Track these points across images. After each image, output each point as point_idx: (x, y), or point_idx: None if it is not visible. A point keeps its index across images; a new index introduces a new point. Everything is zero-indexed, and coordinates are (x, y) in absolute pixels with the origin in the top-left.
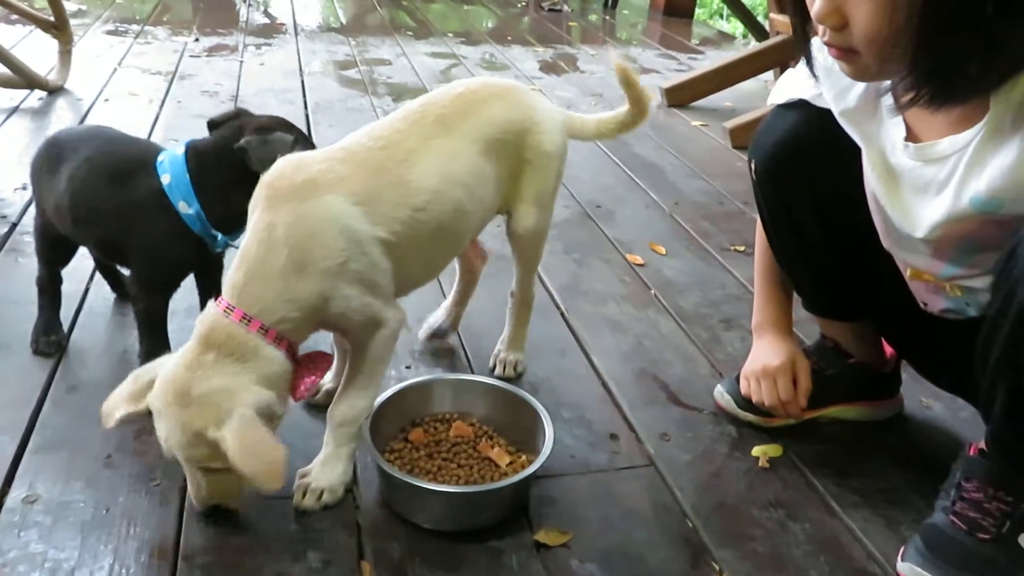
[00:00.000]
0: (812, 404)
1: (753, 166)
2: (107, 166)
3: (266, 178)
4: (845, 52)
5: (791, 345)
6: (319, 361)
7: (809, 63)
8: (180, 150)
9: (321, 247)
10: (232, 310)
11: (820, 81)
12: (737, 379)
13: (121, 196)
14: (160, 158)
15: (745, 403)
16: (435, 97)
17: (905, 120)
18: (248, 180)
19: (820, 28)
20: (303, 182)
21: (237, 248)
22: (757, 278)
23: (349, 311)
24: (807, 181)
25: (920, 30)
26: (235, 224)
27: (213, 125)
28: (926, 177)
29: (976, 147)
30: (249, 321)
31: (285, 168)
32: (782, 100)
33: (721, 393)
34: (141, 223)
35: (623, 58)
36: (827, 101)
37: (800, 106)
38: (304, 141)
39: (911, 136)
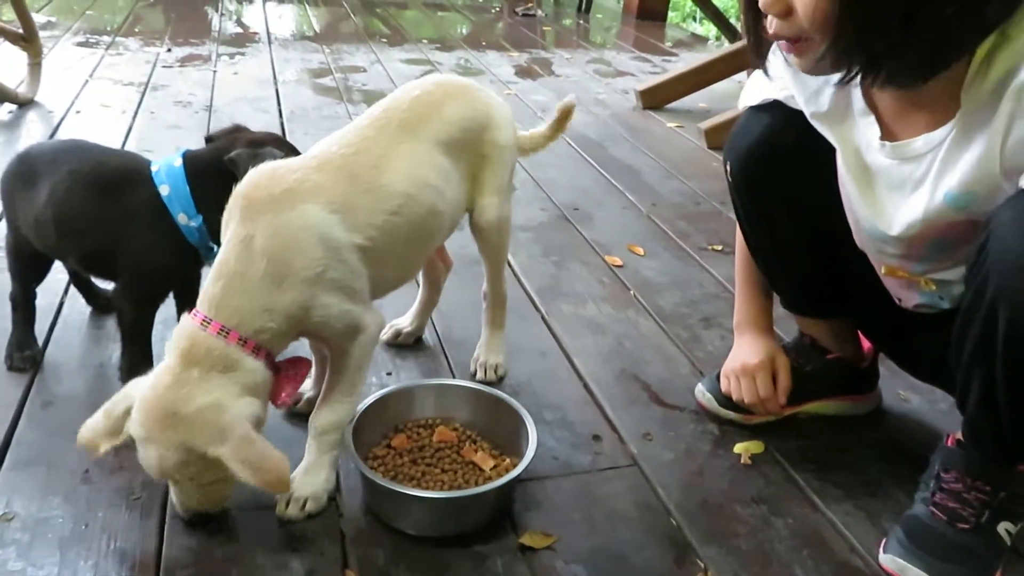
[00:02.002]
0: (792, 400)
1: (728, 168)
2: (97, 176)
3: (241, 189)
4: (796, 42)
5: (770, 343)
6: (299, 366)
7: (764, 67)
8: (177, 161)
9: (300, 257)
10: (209, 323)
11: (791, 84)
12: (717, 377)
13: (115, 206)
14: (154, 168)
15: (726, 401)
16: (394, 102)
17: (880, 119)
18: None
19: (769, 20)
20: (280, 192)
21: None
22: (738, 278)
23: (329, 319)
24: (782, 182)
25: (841, 9)
26: None
27: (211, 140)
28: (902, 175)
29: (950, 144)
30: (227, 334)
31: (260, 179)
32: (754, 101)
33: (702, 392)
34: (137, 233)
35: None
36: (799, 104)
37: (773, 107)
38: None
39: (887, 135)
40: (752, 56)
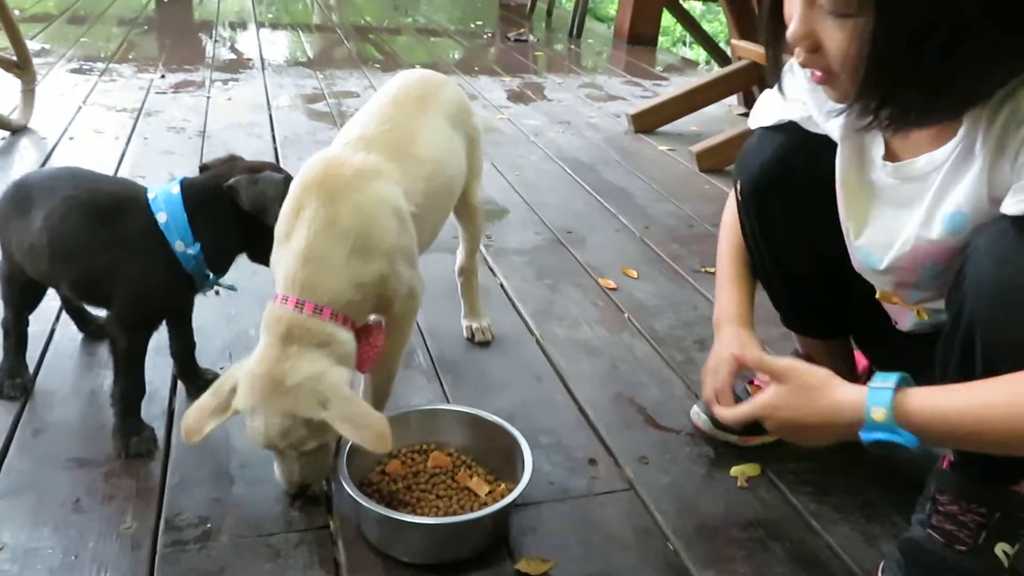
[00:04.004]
0: None
1: (738, 186)
2: (93, 203)
3: (310, 178)
4: (825, 75)
5: (742, 332)
6: (373, 333)
7: (780, 86)
8: (175, 189)
9: (380, 230)
10: (302, 304)
11: (807, 93)
12: None
13: (111, 233)
14: (151, 195)
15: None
16: (401, 83)
17: (883, 138)
18: (241, 221)
19: (797, 50)
20: (353, 174)
21: (227, 288)
22: (717, 277)
23: (400, 286)
24: (791, 203)
25: (870, 62)
26: (226, 264)
27: (205, 169)
28: (903, 195)
29: (951, 165)
30: (321, 311)
31: (328, 166)
32: (768, 122)
33: (697, 414)
34: (133, 260)
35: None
36: (814, 116)
37: (787, 128)
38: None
39: (889, 152)
40: (769, 75)
